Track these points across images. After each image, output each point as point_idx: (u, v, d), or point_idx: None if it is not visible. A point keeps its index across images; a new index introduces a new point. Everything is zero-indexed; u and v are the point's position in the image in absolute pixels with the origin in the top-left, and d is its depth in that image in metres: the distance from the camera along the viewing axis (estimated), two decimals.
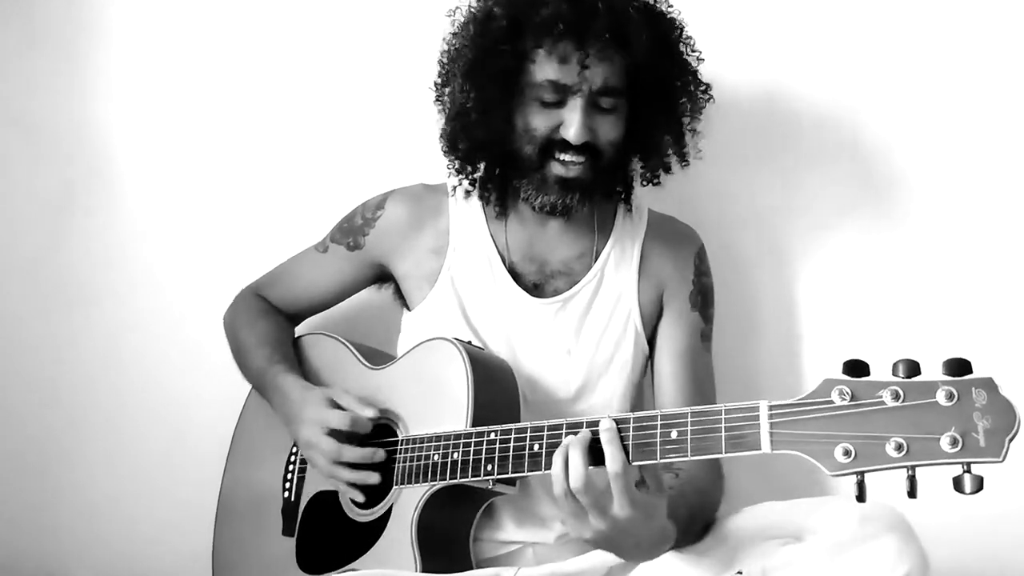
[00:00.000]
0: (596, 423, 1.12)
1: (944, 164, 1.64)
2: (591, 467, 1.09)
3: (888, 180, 1.66)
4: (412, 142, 1.63)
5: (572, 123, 1.32)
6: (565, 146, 1.35)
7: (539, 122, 1.35)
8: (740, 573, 1.20)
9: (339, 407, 1.36)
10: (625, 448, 1.09)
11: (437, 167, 1.51)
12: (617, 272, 1.47)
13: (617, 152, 1.40)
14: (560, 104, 1.34)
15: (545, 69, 1.33)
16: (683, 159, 1.46)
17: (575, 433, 1.14)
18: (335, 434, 1.34)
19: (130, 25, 1.83)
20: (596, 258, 1.48)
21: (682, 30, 1.43)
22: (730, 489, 1.42)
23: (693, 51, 1.44)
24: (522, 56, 1.34)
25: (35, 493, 1.77)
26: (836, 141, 1.67)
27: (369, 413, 1.34)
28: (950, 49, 1.64)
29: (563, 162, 1.36)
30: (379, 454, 1.33)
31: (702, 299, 1.49)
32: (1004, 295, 1.60)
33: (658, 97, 1.39)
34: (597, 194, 1.42)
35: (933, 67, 1.64)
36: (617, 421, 1.11)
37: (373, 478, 1.33)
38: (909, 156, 1.65)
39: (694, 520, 1.26)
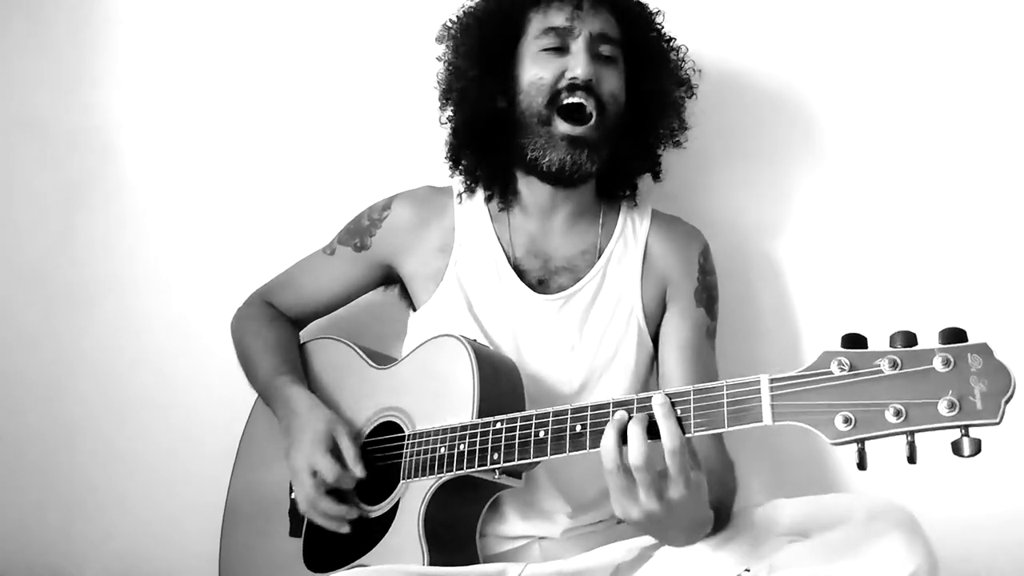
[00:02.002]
0: (604, 406, 1.13)
1: (932, 149, 1.66)
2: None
3: (877, 166, 1.68)
4: (418, 147, 1.65)
5: (578, 62, 1.39)
6: (572, 88, 1.39)
7: (545, 72, 1.41)
8: (747, 571, 1.20)
9: (336, 448, 1.36)
10: None
11: (442, 171, 1.54)
12: (620, 269, 1.49)
13: (619, 111, 1.44)
14: (563, 50, 1.41)
15: (543, 20, 1.43)
16: (678, 131, 1.51)
17: (581, 421, 1.15)
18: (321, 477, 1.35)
19: (136, 25, 1.85)
20: (600, 255, 1.50)
21: (662, 16, 1.52)
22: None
23: (672, 36, 1.52)
24: (518, 21, 1.43)
25: (42, 493, 1.78)
26: (825, 132, 1.70)
27: (358, 472, 1.35)
28: (939, 42, 1.66)
29: (570, 108, 1.39)
30: (352, 513, 1.35)
31: (707, 296, 1.50)
32: (992, 269, 1.62)
33: (651, 62, 1.46)
34: (604, 155, 1.44)
35: (922, 60, 1.67)
36: (620, 403, 1.12)
37: (344, 529, 1.35)
38: (897, 144, 1.67)
39: (721, 508, 1.25)
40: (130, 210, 1.82)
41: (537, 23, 1.44)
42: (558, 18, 1.42)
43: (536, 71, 1.42)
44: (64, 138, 1.84)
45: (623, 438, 1.08)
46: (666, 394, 1.09)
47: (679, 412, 1.08)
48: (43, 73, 1.85)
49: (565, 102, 1.40)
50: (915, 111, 1.67)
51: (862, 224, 1.67)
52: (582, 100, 1.39)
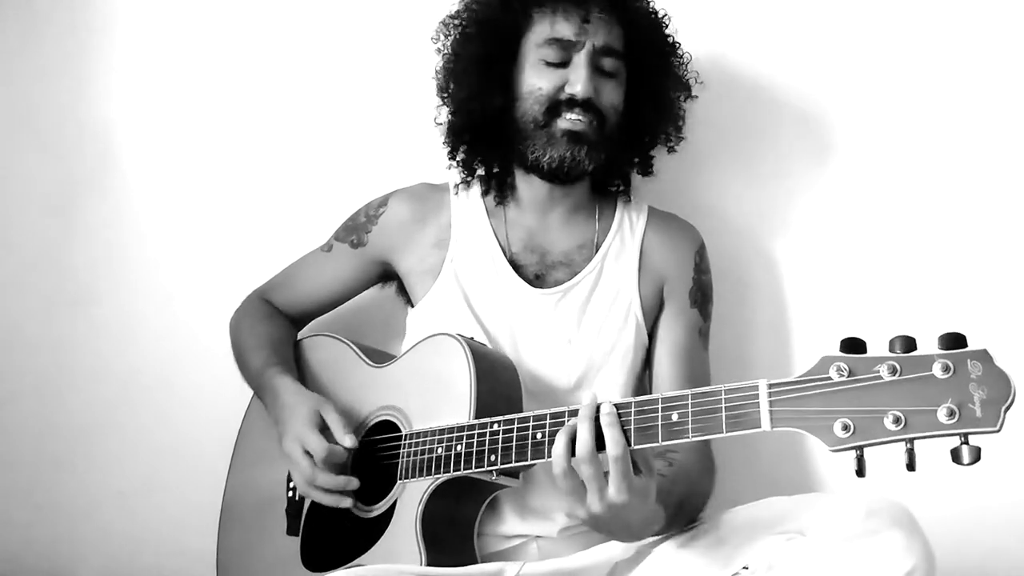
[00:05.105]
0: (598, 408, 1.13)
1: (932, 149, 1.66)
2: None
3: (878, 166, 1.67)
4: (415, 145, 1.65)
5: (579, 79, 1.38)
6: (571, 104, 1.39)
7: (544, 82, 1.40)
8: (746, 568, 1.20)
9: (324, 424, 1.35)
10: (627, 432, 1.10)
11: (439, 169, 1.53)
12: (617, 263, 1.49)
13: (619, 120, 1.43)
14: (564, 64, 1.39)
15: (546, 28, 1.40)
16: (673, 138, 1.50)
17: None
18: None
19: (135, 23, 1.85)
20: (597, 249, 1.50)
21: (669, 20, 1.50)
22: (727, 487, 1.43)
23: (677, 42, 1.51)
24: (520, 20, 1.40)
25: (40, 493, 1.77)
26: (825, 133, 1.69)
27: (348, 442, 1.33)
28: (942, 42, 1.66)
29: (570, 119, 1.39)
30: (352, 483, 1.33)
31: (701, 296, 1.51)
32: (993, 274, 1.61)
33: (653, 71, 1.45)
34: (603, 156, 1.43)
35: (925, 62, 1.67)
36: (618, 406, 1.12)
37: (346, 502, 1.33)
38: (898, 144, 1.67)
39: (682, 509, 1.27)
40: (128, 209, 1.82)
41: (541, 29, 1.41)
42: (564, 29, 1.39)
43: (535, 81, 1.41)
44: (62, 137, 1.83)
45: (573, 445, 1.11)
46: (662, 397, 1.10)
47: (676, 416, 1.08)
48: (40, 71, 1.84)
49: (565, 116, 1.39)
50: (915, 112, 1.66)
51: (861, 225, 1.67)
52: (580, 116, 1.39)
